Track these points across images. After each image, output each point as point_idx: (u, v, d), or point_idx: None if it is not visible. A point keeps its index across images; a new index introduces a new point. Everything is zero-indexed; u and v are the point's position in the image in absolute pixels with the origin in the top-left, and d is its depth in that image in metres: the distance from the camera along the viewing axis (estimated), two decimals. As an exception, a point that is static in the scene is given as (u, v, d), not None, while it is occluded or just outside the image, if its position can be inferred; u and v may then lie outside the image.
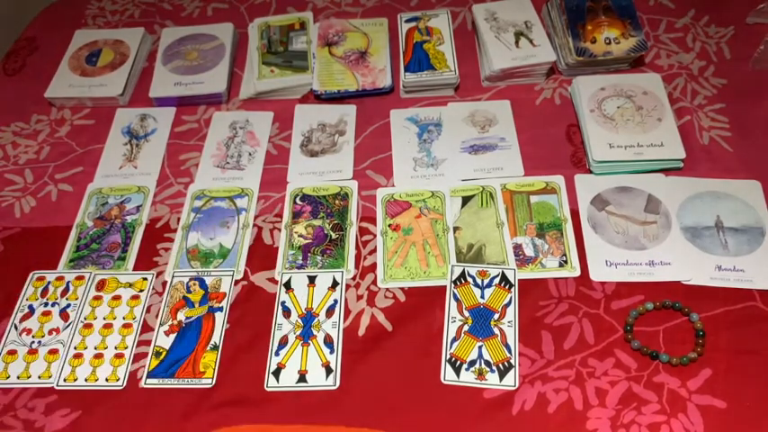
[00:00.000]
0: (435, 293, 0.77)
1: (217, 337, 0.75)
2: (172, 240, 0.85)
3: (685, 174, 0.85)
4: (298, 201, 0.87)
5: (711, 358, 0.69)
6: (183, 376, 0.72)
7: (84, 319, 0.77)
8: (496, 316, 0.74)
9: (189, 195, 0.89)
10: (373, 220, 0.85)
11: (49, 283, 0.81)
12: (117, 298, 0.79)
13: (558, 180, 0.86)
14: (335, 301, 0.77)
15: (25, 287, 0.81)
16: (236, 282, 0.80)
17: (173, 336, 0.75)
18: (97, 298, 0.79)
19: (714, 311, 0.73)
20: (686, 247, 0.78)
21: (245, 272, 0.81)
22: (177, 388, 0.71)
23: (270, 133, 0.97)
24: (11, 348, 0.75)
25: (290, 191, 0.89)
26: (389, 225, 0.84)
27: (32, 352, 0.75)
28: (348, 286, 0.79)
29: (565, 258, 0.79)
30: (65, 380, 0.72)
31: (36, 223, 0.88)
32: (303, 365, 0.72)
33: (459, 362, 0.71)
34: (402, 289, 0.78)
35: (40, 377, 0.73)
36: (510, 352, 0.71)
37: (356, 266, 0.80)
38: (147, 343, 0.75)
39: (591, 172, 0.87)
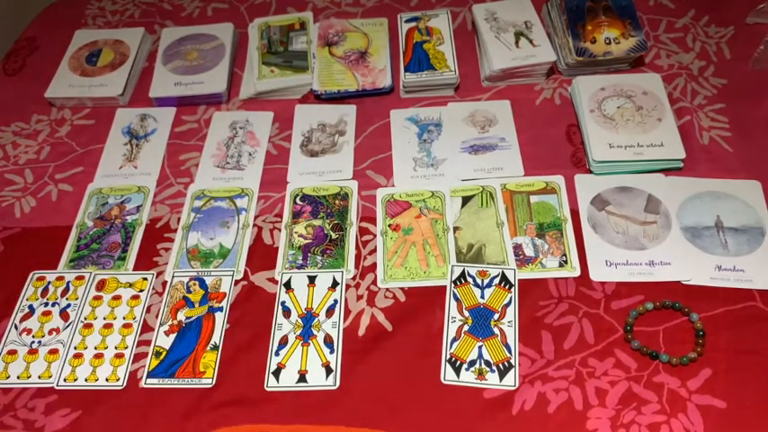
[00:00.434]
0: (435, 293, 0.77)
1: (217, 337, 0.75)
2: (172, 240, 0.85)
3: (685, 174, 0.85)
4: (298, 201, 0.87)
5: (711, 358, 0.69)
6: (183, 376, 0.72)
7: (85, 319, 0.77)
8: (496, 316, 0.74)
9: (189, 195, 0.89)
10: (373, 220, 0.85)
11: (49, 283, 0.81)
12: (117, 298, 0.79)
13: (558, 180, 0.86)
14: (335, 301, 0.77)
15: (25, 287, 0.81)
16: (237, 282, 0.80)
17: (173, 336, 0.75)
18: (97, 298, 0.79)
19: (714, 311, 0.73)
20: (686, 247, 0.78)
21: (245, 272, 0.81)
22: (177, 388, 0.71)
23: (270, 133, 0.97)
24: (11, 348, 0.75)
25: (290, 191, 0.89)
26: (389, 225, 0.84)
27: (32, 352, 0.75)
28: (348, 286, 0.79)
29: (565, 258, 0.79)
30: (65, 380, 0.72)
31: (36, 223, 0.88)
32: (303, 365, 0.72)
33: (459, 362, 0.71)
34: (402, 289, 0.78)
35: (40, 377, 0.73)
36: (510, 352, 0.71)
37: (356, 266, 0.81)
38: (147, 343, 0.75)
39: (591, 172, 0.87)
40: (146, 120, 1.00)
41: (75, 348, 0.75)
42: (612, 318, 0.73)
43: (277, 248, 0.83)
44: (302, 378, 0.71)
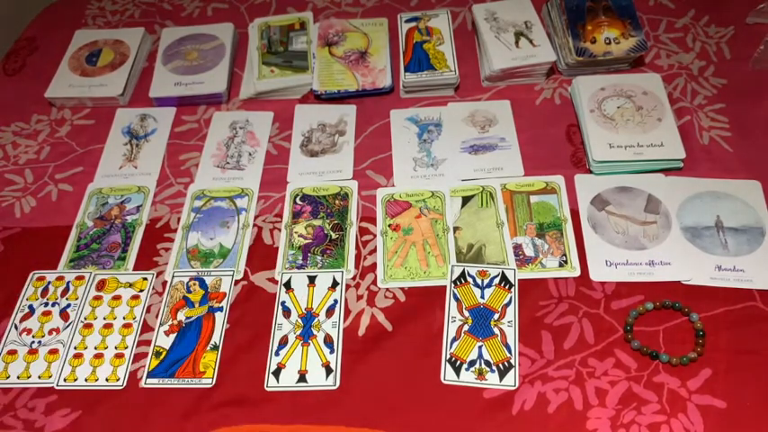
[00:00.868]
0: (435, 293, 0.77)
1: (217, 337, 0.75)
2: (172, 240, 0.85)
3: (685, 174, 0.85)
4: (298, 201, 0.87)
5: (711, 358, 0.69)
6: (183, 376, 0.72)
7: (85, 318, 0.77)
8: (496, 316, 0.74)
9: (189, 195, 0.89)
10: (373, 220, 0.85)
11: (49, 282, 0.81)
12: (117, 298, 0.79)
13: (558, 180, 0.86)
14: (335, 301, 0.77)
15: (25, 287, 0.81)
16: (236, 282, 0.80)
17: (173, 336, 0.75)
18: (97, 298, 0.79)
19: (714, 311, 0.73)
20: (686, 247, 0.78)
21: (245, 272, 0.81)
22: (177, 388, 0.71)
23: (270, 133, 0.97)
24: (11, 348, 0.75)
25: (290, 191, 0.89)
26: (389, 225, 0.84)
27: (32, 352, 0.75)
28: (348, 286, 0.79)
29: (565, 258, 0.79)
30: (65, 380, 0.72)
31: (36, 223, 0.88)
32: (303, 365, 0.72)
33: (459, 362, 0.71)
34: (402, 289, 0.78)
35: (40, 377, 0.73)
36: (510, 352, 0.71)
37: (356, 266, 0.81)
38: (147, 343, 0.75)
39: (591, 172, 0.87)
40: (146, 120, 1.00)
41: (75, 348, 0.75)
42: (612, 318, 0.73)
43: (277, 248, 0.83)
44: (302, 378, 0.71)
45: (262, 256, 0.82)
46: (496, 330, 0.73)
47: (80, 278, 0.81)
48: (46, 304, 0.79)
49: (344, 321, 0.75)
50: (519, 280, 0.77)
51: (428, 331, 0.74)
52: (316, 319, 0.75)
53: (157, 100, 1.01)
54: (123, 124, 0.99)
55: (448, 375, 0.70)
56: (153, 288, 0.80)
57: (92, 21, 1.18)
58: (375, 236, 0.83)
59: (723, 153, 0.88)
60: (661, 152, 0.85)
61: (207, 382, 0.71)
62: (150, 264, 0.83)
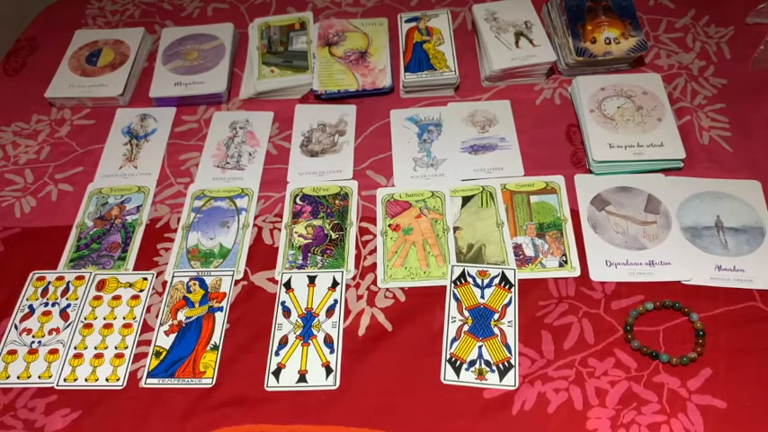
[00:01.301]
0: (435, 293, 0.77)
1: (217, 337, 0.75)
2: (172, 240, 0.85)
3: (685, 174, 0.85)
4: (298, 201, 0.87)
5: (711, 358, 0.69)
6: (183, 376, 0.72)
7: (85, 318, 0.77)
8: (496, 316, 0.74)
9: (189, 195, 0.89)
10: (373, 220, 0.85)
11: (49, 282, 0.81)
12: (117, 298, 0.79)
13: (558, 180, 0.86)
14: (335, 301, 0.77)
15: (25, 287, 0.81)
16: (237, 282, 0.80)
17: (173, 336, 0.75)
18: (97, 298, 0.79)
19: (714, 311, 0.73)
20: (686, 247, 0.78)
21: (245, 272, 0.81)
22: (177, 388, 0.71)
23: (270, 133, 0.97)
24: (11, 348, 0.75)
25: (290, 191, 0.89)
26: (389, 225, 0.84)
27: (32, 352, 0.75)
28: (348, 286, 0.79)
29: (565, 258, 0.79)
30: (65, 380, 0.72)
31: (36, 223, 0.88)
32: (303, 365, 0.72)
33: (459, 362, 0.71)
34: (402, 289, 0.78)
35: (40, 377, 0.73)
36: (510, 352, 0.71)
37: (356, 266, 0.81)
38: (147, 343, 0.75)
39: (591, 172, 0.87)
40: (146, 120, 1.00)
41: (75, 348, 0.75)
42: (612, 318, 0.73)
43: (277, 248, 0.83)
44: (302, 378, 0.71)
45: (262, 256, 0.82)
46: (496, 330, 0.73)
47: (80, 278, 0.81)
48: (46, 304, 0.79)
49: (344, 321, 0.75)
50: (519, 280, 0.77)
51: (428, 331, 0.74)
52: (316, 319, 0.75)
53: (157, 100, 1.01)
54: (123, 124, 0.99)
55: (448, 375, 0.70)
56: (153, 288, 0.80)
57: (92, 21, 1.18)
58: (375, 236, 0.83)
59: (723, 153, 0.88)
60: (661, 152, 0.85)
61: (207, 382, 0.71)
62: (150, 264, 0.83)
